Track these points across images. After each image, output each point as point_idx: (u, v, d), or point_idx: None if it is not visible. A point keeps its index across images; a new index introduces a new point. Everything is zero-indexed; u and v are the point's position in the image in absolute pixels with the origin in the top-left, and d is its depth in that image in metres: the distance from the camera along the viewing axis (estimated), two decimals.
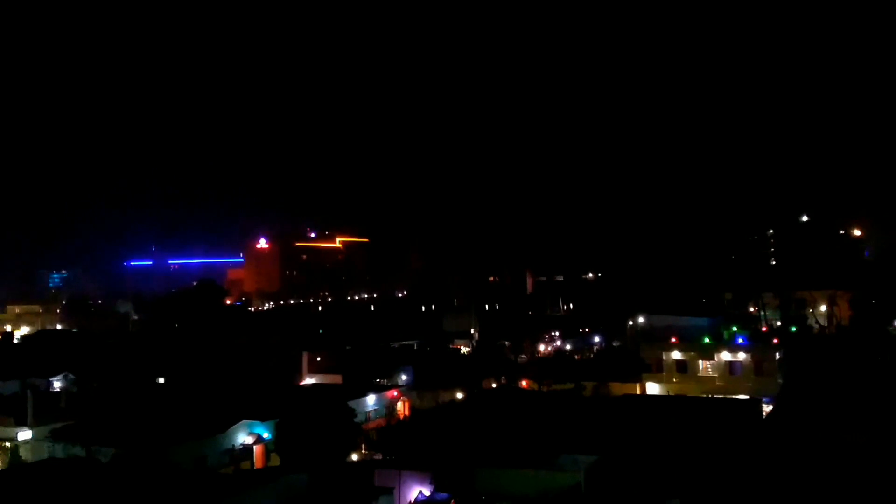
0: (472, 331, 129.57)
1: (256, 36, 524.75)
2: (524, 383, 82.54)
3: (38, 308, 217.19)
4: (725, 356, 78.89)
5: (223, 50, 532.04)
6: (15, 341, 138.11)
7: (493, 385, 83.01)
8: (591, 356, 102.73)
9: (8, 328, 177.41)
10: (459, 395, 77.41)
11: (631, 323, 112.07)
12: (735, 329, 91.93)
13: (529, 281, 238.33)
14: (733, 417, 54.19)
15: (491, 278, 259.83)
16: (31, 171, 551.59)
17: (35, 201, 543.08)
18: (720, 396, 70.93)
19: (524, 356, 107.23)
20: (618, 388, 75.75)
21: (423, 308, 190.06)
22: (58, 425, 60.95)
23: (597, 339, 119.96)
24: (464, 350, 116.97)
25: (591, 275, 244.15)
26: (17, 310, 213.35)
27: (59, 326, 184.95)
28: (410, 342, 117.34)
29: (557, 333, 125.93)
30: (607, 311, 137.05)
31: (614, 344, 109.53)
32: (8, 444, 61.89)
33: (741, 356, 78.55)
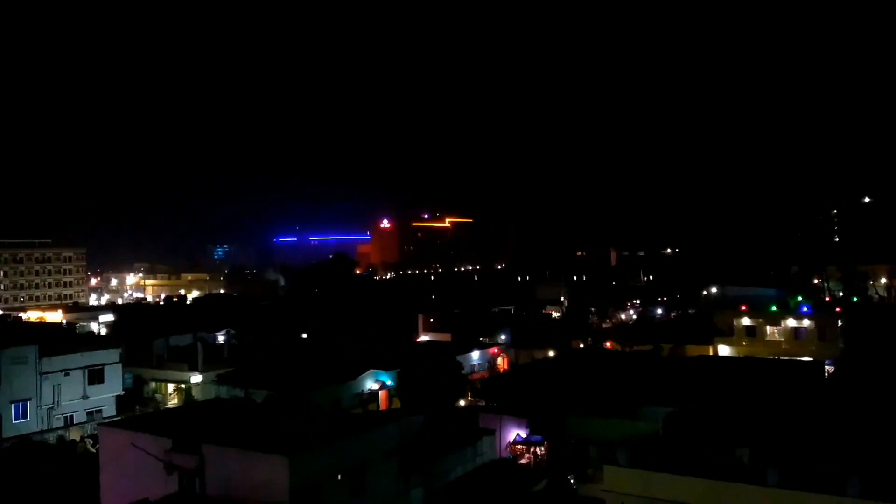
0: (562, 299, 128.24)
1: (372, 28, 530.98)
2: (608, 345, 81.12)
3: (205, 276, 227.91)
4: (791, 322, 75.09)
5: (341, 43, 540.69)
6: (188, 303, 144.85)
7: (581, 346, 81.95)
8: (669, 322, 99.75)
9: (182, 292, 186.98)
10: (551, 353, 76.73)
11: (705, 293, 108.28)
12: (800, 299, 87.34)
13: (613, 255, 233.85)
14: (798, 378, 51.60)
15: (579, 253, 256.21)
16: (204, 168, 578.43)
17: (204, 188, 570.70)
18: (786, 359, 67.66)
19: (608, 321, 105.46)
20: (692, 350, 73.42)
21: (520, 279, 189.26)
22: (221, 371, 63.99)
23: (672, 307, 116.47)
24: (555, 315, 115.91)
25: (669, 250, 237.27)
26: (189, 277, 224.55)
27: (222, 291, 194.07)
28: (508, 307, 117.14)
29: (638, 302, 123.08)
30: (684, 282, 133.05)
31: (690, 311, 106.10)
32: (183, 385, 65.56)
33: (806, 323, 74.59)
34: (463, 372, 59.87)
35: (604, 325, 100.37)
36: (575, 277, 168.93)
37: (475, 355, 73.77)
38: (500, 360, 77.41)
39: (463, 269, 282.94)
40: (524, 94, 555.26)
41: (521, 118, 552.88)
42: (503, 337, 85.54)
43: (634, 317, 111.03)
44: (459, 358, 62.97)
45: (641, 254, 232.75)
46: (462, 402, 59.73)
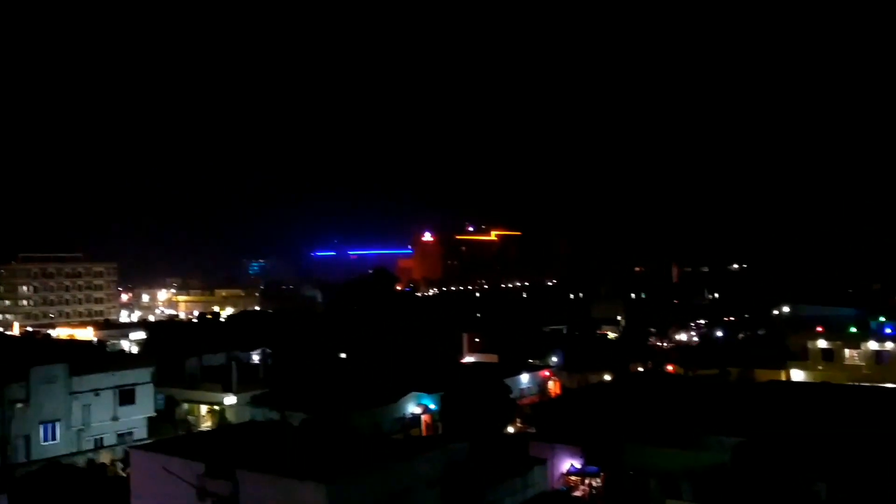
0: (619, 318, 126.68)
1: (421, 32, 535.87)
2: (669, 368, 79.74)
3: (240, 292, 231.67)
4: (873, 345, 72.79)
5: (379, 51, 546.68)
6: (221, 320, 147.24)
7: (640, 369, 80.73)
8: (736, 344, 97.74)
9: (216, 309, 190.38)
10: (607, 377, 75.84)
11: (776, 312, 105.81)
12: (883, 319, 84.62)
13: (675, 271, 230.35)
14: (880, 406, 49.90)
15: (637, 268, 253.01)
16: (239, 181, 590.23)
17: (239, 200, 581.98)
18: (867, 385, 65.55)
19: (669, 343, 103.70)
20: (763, 375, 71.61)
21: (572, 296, 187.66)
22: (257, 392, 64.83)
23: (740, 328, 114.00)
24: (611, 335, 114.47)
25: (736, 265, 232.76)
26: (223, 293, 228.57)
27: (257, 308, 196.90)
28: (560, 327, 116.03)
29: (702, 322, 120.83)
30: (752, 300, 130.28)
31: (759, 332, 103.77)
32: (217, 407, 66.56)
33: (889, 346, 72.24)
34: (511, 396, 59.58)
35: (665, 347, 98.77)
36: (633, 295, 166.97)
37: (524, 378, 73.32)
38: (551, 384, 76.76)
39: (510, 285, 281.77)
40: (576, 99, 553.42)
41: (572, 124, 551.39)
42: (554, 359, 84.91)
43: (698, 338, 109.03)
44: (507, 381, 62.65)
45: (706, 269, 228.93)
46: (510, 429, 59.32)
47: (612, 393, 58.42)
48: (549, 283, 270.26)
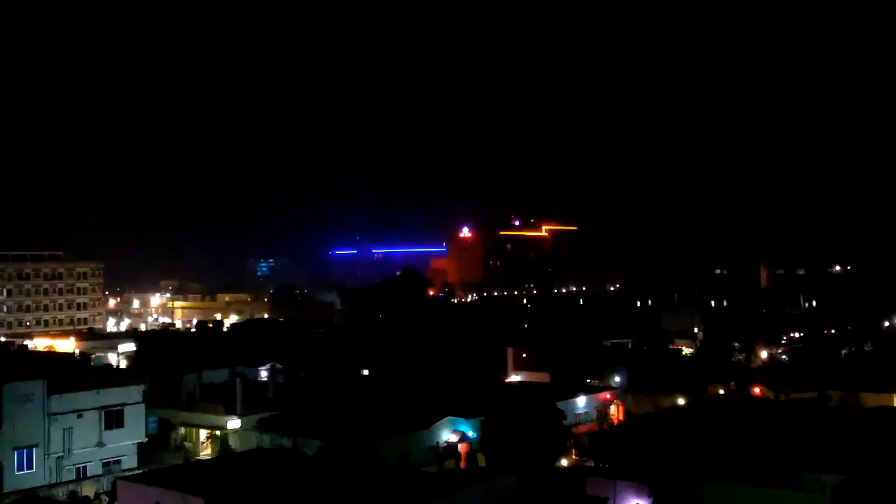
0: (696, 329, 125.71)
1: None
2: (756, 390, 78.78)
3: (246, 297, 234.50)
4: None
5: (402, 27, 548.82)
6: (224, 330, 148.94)
7: (720, 391, 79.88)
8: (838, 361, 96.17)
9: (218, 316, 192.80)
10: (681, 401, 75.05)
11: (887, 324, 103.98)
12: None
13: (764, 274, 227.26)
14: None
15: (718, 271, 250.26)
16: (241, 163, 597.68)
17: (244, 191, 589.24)
18: None
19: (757, 360, 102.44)
20: (871, 400, 70.30)
21: (639, 303, 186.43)
22: (265, 415, 65.40)
23: (842, 342, 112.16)
24: (685, 351, 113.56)
25: (838, 267, 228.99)
26: (227, 298, 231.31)
27: (266, 315, 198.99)
28: (624, 340, 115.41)
29: (797, 335, 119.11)
30: (858, 310, 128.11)
31: (866, 348, 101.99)
32: (218, 431, 67.30)
33: None
34: (565, 422, 59.33)
35: (751, 365, 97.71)
36: (712, 302, 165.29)
37: (581, 401, 73.18)
38: (613, 409, 76.50)
39: (564, 290, 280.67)
40: (642, 70, 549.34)
41: (636, 97, 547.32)
42: (617, 379, 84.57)
43: (791, 355, 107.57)
44: (560, 404, 62.39)
45: (801, 272, 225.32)
46: (564, 462, 59.12)
47: (687, 420, 57.82)
48: (612, 289, 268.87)
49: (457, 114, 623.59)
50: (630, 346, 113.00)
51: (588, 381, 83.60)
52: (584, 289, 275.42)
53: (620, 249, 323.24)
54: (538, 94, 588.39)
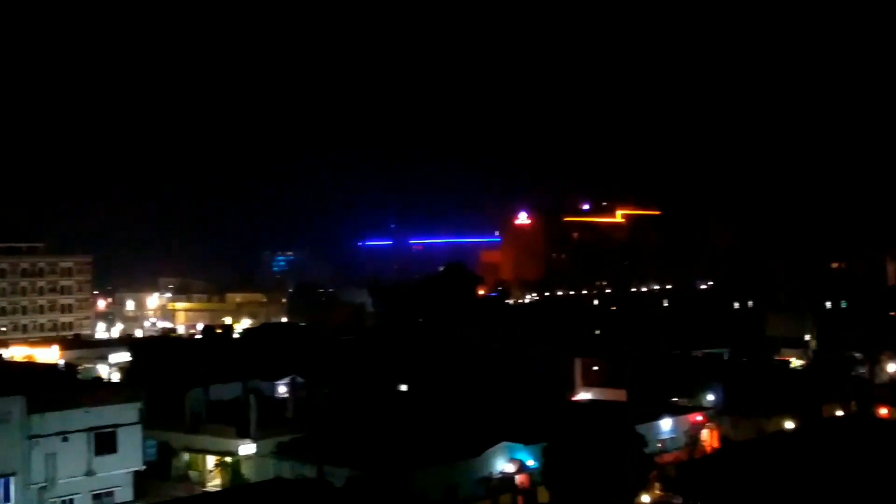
0: (807, 337, 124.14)
1: None
2: (883, 412, 77.82)
3: (261, 297, 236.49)
4: None
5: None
6: (235, 336, 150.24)
7: (838, 412, 78.96)
8: None
9: (227, 320, 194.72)
10: (789, 425, 74.78)
11: None
12: None
13: (891, 268, 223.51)
14: None
15: (834, 264, 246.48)
16: (255, 139, 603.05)
17: (257, 172, 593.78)
18: None
19: (883, 374, 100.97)
20: None
21: (737, 304, 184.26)
22: (284, 438, 65.97)
23: None
24: (794, 363, 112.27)
25: None
26: (238, 299, 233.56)
27: (284, 319, 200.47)
28: (719, 350, 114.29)
29: None
30: None
31: None
32: (229, 459, 68.01)
33: None
34: (646, 450, 59.16)
35: (875, 381, 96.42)
36: (828, 304, 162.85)
37: (665, 424, 73.12)
38: (705, 433, 76.39)
39: (645, 288, 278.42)
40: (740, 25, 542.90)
41: (731, 58, 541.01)
42: (710, 397, 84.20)
43: None
44: (640, 428, 62.15)
45: None
46: (646, 498, 58.92)
47: (797, 447, 57.31)
48: (703, 287, 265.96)
49: (511, 76, 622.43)
50: (726, 358, 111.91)
51: (674, 399, 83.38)
52: (668, 287, 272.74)
53: (713, 239, 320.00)
54: (610, 51, 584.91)
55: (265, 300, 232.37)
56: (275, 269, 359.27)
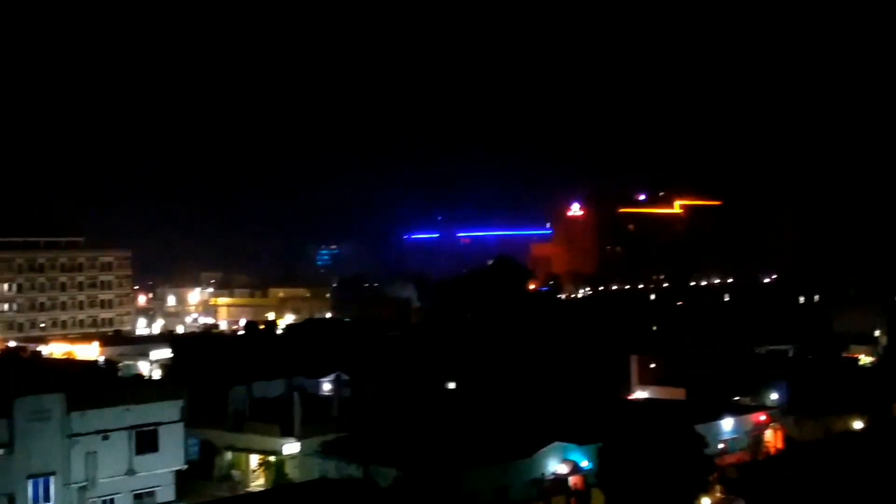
0: (877, 332, 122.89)
1: None
2: None
3: (304, 292, 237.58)
4: None
5: None
6: (278, 331, 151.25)
7: None
8: None
9: (270, 316, 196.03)
10: (858, 424, 74.32)
11: None
12: None
13: None
14: None
15: None
16: (299, 129, 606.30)
17: (301, 163, 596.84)
18: None
19: None
20: None
21: (802, 299, 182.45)
22: (329, 437, 66.32)
23: None
24: (864, 360, 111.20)
25: None
26: (281, 294, 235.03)
27: (328, 314, 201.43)
28: (783, 347, 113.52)
29: None
30: None
31: None
32: (272, 458, 68.45)
33: None
34: (706, 451, 58.80)
35: None
36: None
37: (727, 424, 72.72)
38: (769, 434, 76.06)
39: (704, 282, 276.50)
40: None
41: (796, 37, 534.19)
42: (774, 396, 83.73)
43: None
44: (700, 428, 61.79)
45: None
46: (706, 500, 58.53)
47: (866, 448, 56.66)
48: (766, 280, 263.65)
49: (563, 61, 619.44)
50: (791, 355, 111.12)
51: (736, 398, 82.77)
52: (729, 280, 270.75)
53: (777, 229, 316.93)
54: (668, 32, 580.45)
55: (309, 295, 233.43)
56: (319, 262, 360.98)
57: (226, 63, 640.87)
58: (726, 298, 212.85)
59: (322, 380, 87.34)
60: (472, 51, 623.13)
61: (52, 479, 57.24)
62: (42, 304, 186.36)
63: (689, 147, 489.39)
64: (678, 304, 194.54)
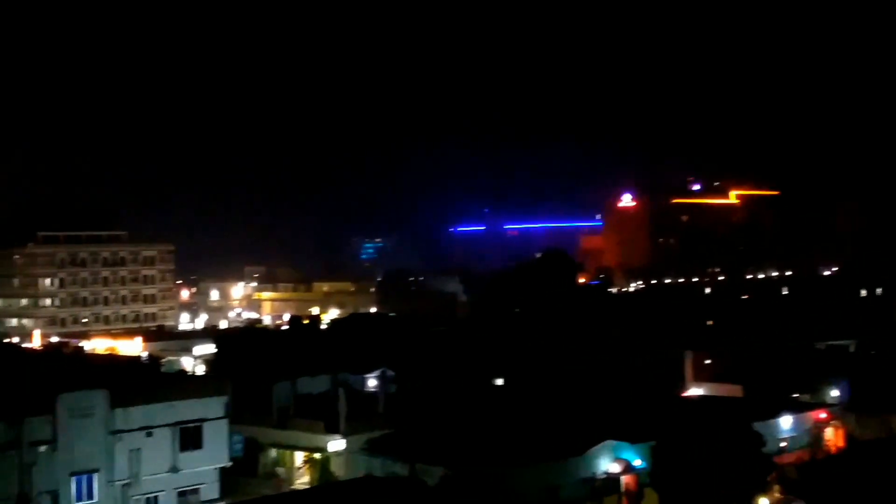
0: None
1: None
2: None
3: (349, 286, 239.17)
4: None
5: None
6: (323, 327, 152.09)
7: None
8: None
9: (315, 310, 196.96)
10: None
11: None
12: None
13: None
14: None
15: None
16: (342, 119, 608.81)
17: (345, 154, 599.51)
18: None
19: None
20: None
21: (864, 292, 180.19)
22: (375, 434, 66.69)
23: None
24: None
25: None
26: (325, 288, 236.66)
27: (372, 309, 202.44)
28: (845, 342, 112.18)
29: None
30: None
31: None
32: (317, 455, 68.93)
33: None
34: (764, 450, 58.52)
35: None
36: None
37: (785, 423, 72.32)
38: (829, 432, 75.51)
39: (762, 275, 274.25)
40: None
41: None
42: (835, 393, 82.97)
43: None
44: (758, 426, 61.49)
45: None
46: (764, 501, 58.17)
47: None
48: (827, 273, 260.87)
49: (614, 44, 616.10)
50: (852, 350, 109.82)
51: (795, 395, 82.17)
52: (788, 273, 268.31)
53: (838, 220, 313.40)
54: (719, 13, 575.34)
55: (353, 289, 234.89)
56: (363, 256, 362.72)
57: (267, 53, 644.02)
58: (784, 292, 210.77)
59: (367, 376, 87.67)
60: (520, 38, 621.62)
61: (95, 477, 58.07)
62: (84, 298, 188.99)
63: (746, 135, 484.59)
64: (734, 298, 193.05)
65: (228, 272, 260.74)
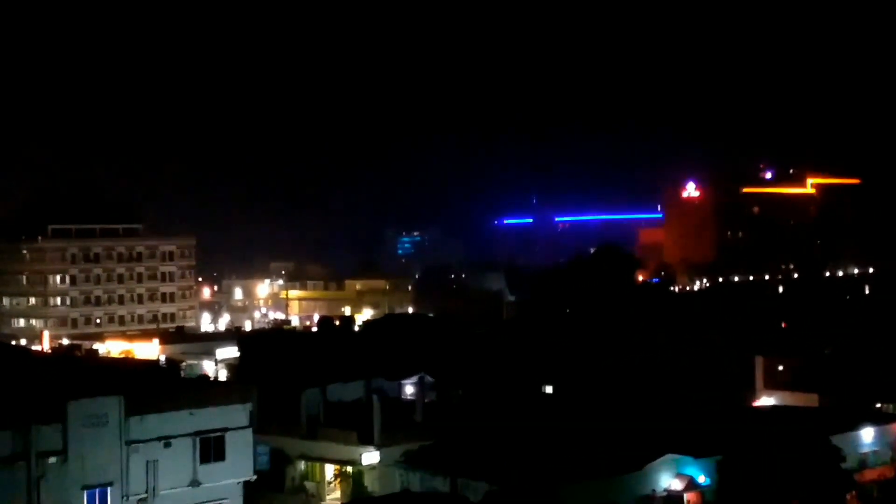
0: None
1: None
2: None
3: (384, 284, 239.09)
4: None
5: None
6: (355, 329, 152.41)
7: None
8: None
9: (346, 310, 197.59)
10: None
11: None
12: None
13: None
14: None
15: None
16: (378, 104, 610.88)
17: (380, 141, 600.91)
18: None
19: None
20: None
21: None
22: (413, 446, 66.78)
23: None
24: None
25: None
26: (358, 286, 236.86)
27: (410, 309, 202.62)
28: None
29: None
30: None
31: None
32: (350, 468, 69.17)
33: None
34: (844, 465, 58.09)
35: None
36: None
37: (867, 435, 71.65)
38: None
39: (841, 271, 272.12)
40: None
41: None
42: None
43: None
44: (836, 439, 61.00)
45: None
46: None
47: None
48: None
49: (678, 22, 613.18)
50: None
51: (878, 406, 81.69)
52: (870, 270, 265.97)
53: None
54: None
55: (389, 287, 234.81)
56: (399, 251, 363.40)
57: (301, 41, 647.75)
58: (866, 290, 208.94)
59: (404, 382, 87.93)
60: (573, 18, 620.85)
61: (109, 490, 58.27)
62: (98, 297, 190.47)
63: (824, 117, 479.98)
64: (811, 297, 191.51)
65: (253, 269, 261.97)
